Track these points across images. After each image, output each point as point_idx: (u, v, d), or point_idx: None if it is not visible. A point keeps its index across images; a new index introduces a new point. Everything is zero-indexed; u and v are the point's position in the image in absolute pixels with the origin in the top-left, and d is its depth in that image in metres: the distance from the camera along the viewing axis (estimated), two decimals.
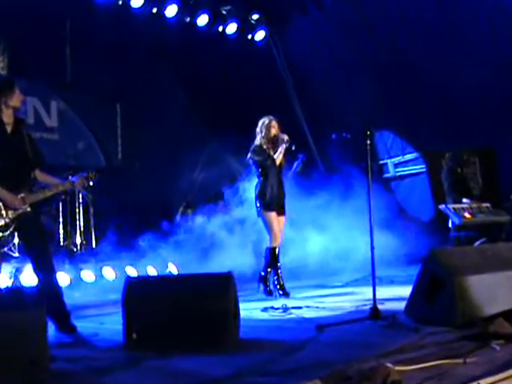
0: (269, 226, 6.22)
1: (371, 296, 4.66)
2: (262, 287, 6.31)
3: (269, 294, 6.23)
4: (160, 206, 9.32)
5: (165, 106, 9.97)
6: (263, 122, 6.36)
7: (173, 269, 7.65)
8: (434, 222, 9.46)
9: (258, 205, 6.26)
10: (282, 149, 6.25)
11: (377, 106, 10.11)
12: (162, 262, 7.64)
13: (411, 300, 4.54)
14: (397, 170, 11.18)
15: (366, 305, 5.04)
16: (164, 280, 4.81)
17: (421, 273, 4.45)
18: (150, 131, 9.62)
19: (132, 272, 7.25)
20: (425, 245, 7.73)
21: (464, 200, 7.49)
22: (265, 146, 6.30)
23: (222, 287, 4.08)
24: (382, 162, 11.35)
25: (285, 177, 6.49)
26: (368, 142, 4.88)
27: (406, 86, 9.83)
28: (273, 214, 6.20)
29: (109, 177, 7.49)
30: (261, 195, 6.25)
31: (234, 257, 7.68)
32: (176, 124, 9.88)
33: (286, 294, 6.15)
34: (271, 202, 6.20)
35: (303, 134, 11.23)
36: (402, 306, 4.64)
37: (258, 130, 6.38)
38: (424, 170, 10.47)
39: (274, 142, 6.32)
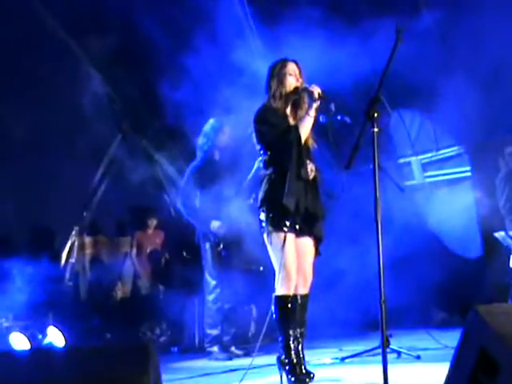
0: (279, 257, 5.64)
1: (381, 382, 4.65)
2: (286, 377, 5.70)
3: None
4: (34, 232, 9.30)
5: (40, 59, 9.82)
6: (272, 67, 5.89)
7: (55, 337, 7.62)
8: (486, 258, 9.57)
9: (264, 217, 5.74)
10: (310, 110, 5.67)
11: (393, 70, 10.15)
12: (39, 326, 7.62)
13: None
14: (427, 173, 11.27)
15: None
16: (37, 357, 4.64)
17: (461, 345, 4.39)
18: (11, 103, 9.46)
19: None
20: (470, 296, 7.76)
21: None
22: (282, 108, 5.80)
23: (135, 368, 3.92)
24: (402, 160, 11.43)
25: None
26: (375, 129, 4.87)
27: (441, 38, 9.91)
28: (288, 237, 5.61)
29: None
30: (270, 200, 5.71)
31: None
32: (62, 93, 9.72)
33: (308, 378, 5.67)
34: (288, 212, 5.59)
35: None
36: None
37: (265, 85, 5.91)
38: (470, 173, 10.58)
39: (296, 101, 5.86)
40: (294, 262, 5.67)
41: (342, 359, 7.15)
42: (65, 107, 9.75)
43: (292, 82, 5.80)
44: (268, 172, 5.80)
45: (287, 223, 5.61)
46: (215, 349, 8.04)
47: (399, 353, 6.87)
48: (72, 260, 9.54)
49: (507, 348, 4.10)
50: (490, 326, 4.26)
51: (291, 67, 5.83)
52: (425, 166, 11.28)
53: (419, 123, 11.10)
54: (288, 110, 5.86)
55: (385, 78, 5.01)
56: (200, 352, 8.46)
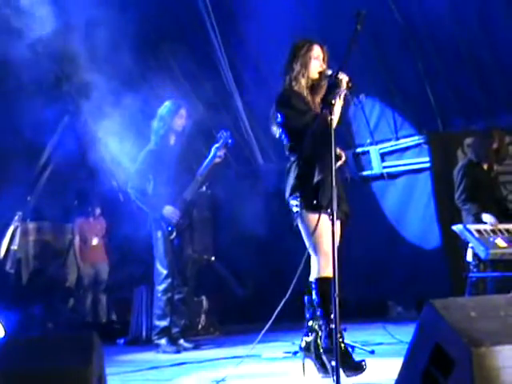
0: (315, 238, 5.52)
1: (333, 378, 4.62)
2: (312, 362, 5.74)
3: (324, 369, 5.64)
4: None
5: None
6: (295, 47, 5.74)
7: None
8: (442, 251, 9.71)
9: (298, 201, 5.63)
10: (339, 95, 5.44)
11: (350, 56, 10.16)
12: None
13: None
14: (385, 163, 11.32)
15: None
16: None
17: (416, 340, 4.41)
18: None
19: None
20: (425, 290, 7.80)
21: (483, 217, 7.58)
22: (304, 92, 5.69)
23: (77, 360, 3.82)
24: (359, 149, 11.46)
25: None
26: (333, 116, 4.87)
27: (404, 24, 9.95)
28: (323, 217, 5.43)
29: None
30: (302, 185, 5.60)
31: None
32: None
33: (356, 369, 5.42)
34: (322, 194, 5.50)
35: (229, 97, 11.24)
36: None
37: (286, 64, 5.77)
38: (429, 164, 10.64)
39: (313, 86, 5.72)
40: (330, 243, 5.23)
41: (295, 353, 7.04)
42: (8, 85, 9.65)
43: (316, 66, 5.68)
44: (293, 159, 5.70)
45: (319, 204, 5.46)
46: (163, 341, 7.95)
47: (353, 347, 6.76)
48: (14, 246, 9.40)
49: (462, 343, 4.06)
50: (445, 320, 4.24)
51: (317, 51, 5.71)
52: (383, 156, 11.31)
53: (379, 111, 11.10)
54: (311, 94, 5.73)
55: (345, 63, 4.98)
56: (147, 344, 8.39)
